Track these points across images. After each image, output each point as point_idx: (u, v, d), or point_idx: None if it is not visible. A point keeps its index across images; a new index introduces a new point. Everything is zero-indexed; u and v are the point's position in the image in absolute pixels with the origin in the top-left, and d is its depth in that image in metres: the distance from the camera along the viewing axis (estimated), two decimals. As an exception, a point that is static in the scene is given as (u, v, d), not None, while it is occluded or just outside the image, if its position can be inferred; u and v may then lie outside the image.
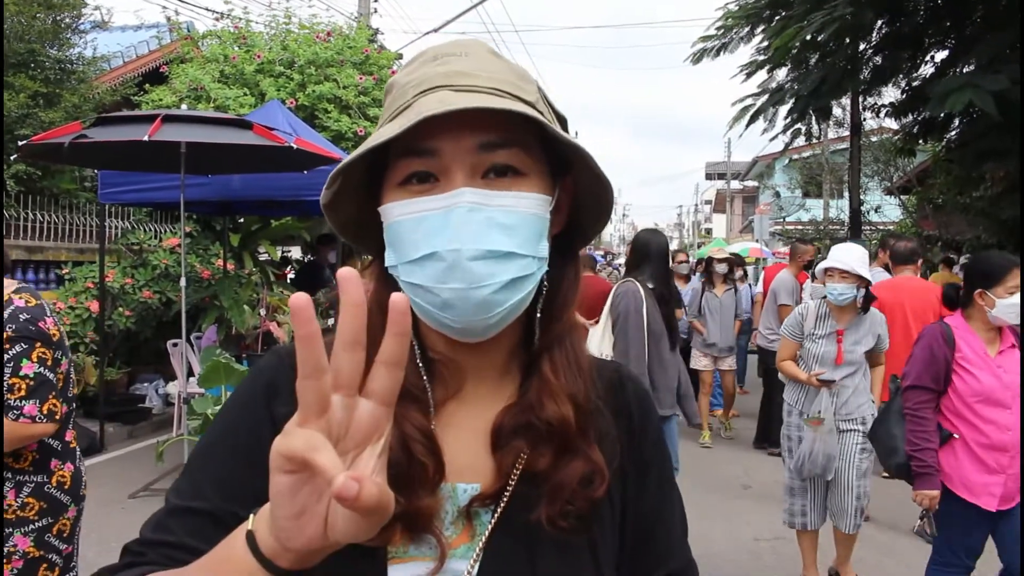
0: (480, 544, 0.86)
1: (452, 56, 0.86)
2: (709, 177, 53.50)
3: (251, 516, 0.66)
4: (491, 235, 0.80)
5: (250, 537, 0.64)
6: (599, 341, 4.60)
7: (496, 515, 0.86)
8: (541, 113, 0.83)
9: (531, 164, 0.85)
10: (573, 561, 0.87)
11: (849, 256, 4.44)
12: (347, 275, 0.59)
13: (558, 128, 0.83)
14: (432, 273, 0.81)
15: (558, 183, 0.90)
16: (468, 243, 0.80)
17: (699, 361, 8.49)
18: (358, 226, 0.94)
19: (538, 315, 0.90)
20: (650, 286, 4.57)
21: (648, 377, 4.43)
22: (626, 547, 0.94)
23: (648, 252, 4.71)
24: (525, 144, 0.84)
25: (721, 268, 8.63)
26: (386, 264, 0.87)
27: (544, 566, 0.85)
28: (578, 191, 0.93)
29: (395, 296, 0.60)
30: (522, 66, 0.90)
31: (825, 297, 4.59)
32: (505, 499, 0.86)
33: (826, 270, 4.54)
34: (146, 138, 5.32)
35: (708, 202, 63.01)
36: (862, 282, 4.44)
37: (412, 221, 0.82)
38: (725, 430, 8.87)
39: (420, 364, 0.89)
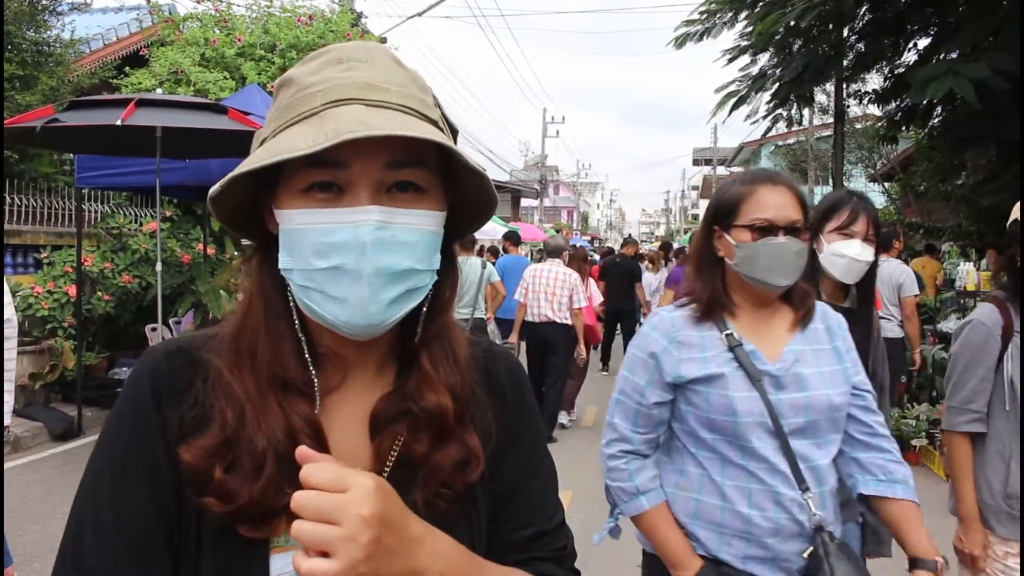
0: None
1: (357, 61, 0.86)
2: (696, 163, 53.64)
3: None
4: (394, 253, 0.83)
5: None
6: None
7: None
8: (442, 131, 0.87)
9: (431, 181, 0.87)
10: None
11: None
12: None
13: (464, 155, 0.84)
14: (331, 284, 0.82)
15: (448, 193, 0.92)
16: (373, 260, 0.81)
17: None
18: (241, 215, 0.93)
19: (423, 312, 0.92)
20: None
21: None
22: (492, 511, 0.98)
23: None
24: (427, 162, 0.86)
25: None
26: (281, 267, 0.86)
27: None
28: (461, 197, 0.94)
29: None
30: (418, 72, 0.91)
31: None
32: None
33: None
34: (119, 122, 5.27)
35: (695, 188, 63.16)
36: None
37: (317, 231, 0.82)
38: None
39: (308, 357, 0.90)
